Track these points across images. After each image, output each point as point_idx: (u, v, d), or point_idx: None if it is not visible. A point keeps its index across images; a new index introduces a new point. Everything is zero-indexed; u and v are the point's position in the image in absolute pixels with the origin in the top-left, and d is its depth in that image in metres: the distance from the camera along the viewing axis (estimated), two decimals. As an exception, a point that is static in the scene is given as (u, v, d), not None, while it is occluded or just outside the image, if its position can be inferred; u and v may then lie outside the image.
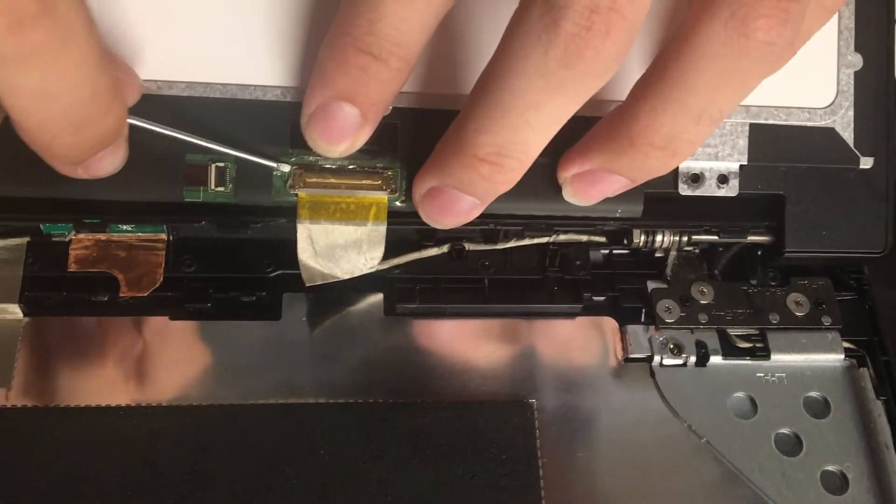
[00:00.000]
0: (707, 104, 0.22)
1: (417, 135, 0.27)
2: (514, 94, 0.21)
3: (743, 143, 0.29)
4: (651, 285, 0.31)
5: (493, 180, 0.23)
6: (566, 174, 0.26)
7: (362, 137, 0.24)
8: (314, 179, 0.27)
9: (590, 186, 0.26)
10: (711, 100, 0.22)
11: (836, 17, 0.30)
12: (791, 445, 0.29)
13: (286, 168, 0.26)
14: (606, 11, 0.19)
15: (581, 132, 0.26)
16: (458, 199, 0.25)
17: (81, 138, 0.21)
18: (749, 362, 0.30)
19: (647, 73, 0.23)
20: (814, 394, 0.30)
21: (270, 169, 0.26)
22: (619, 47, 0.20)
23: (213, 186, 0.27)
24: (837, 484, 0.28)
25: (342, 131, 0.24)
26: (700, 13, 0.21)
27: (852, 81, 0.30)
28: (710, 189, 0.29)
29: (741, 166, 0.29)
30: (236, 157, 0.26)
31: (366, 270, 0.28)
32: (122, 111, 0.22)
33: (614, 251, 0.32)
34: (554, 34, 0.20)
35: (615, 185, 0.25)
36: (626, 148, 0.23)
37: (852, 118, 0.30)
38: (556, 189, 0.27)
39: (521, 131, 0.22)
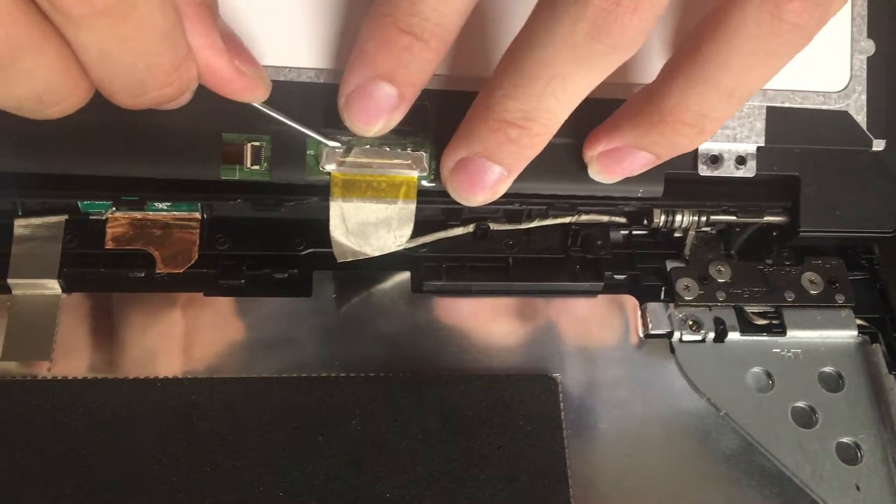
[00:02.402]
0: (738, 83, 0.23)
1: (447, 116, 0.27)
2: (542, 64, 0.22)
3: (760, 125, 0.30)
4: (670, 264, 0.32)
5: (520, 143, 0.24)
6: (593, 152, 0.27)
7: (397, 117, 0.25)
8: (347, 158, 0.28)
9: (616, 163, 0.27)
10: (742, 79, 0.23)
11: (849, 4, 0.31)
12: (807, 418, 0.30)
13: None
14: None
15: (603, 114, 0.27)
16: (487, 169, 0.25)
17: (138, 102, 0.22)
18: (766, 338, 0.31)
19: (677, 53, 0.24)
20: (828, 369, 0.31)
21: (304, 148, 0.27)
22: (646, 23, 0.21)
23: (248, 165, 0.27)
24: (852, 454, 0.29)
25: (379, 111, 0.24)
26: None
27: (865, 67, 0.31)
28: (728, 170, 0.30)
29: (758, 148, 0.30)
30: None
31: (395, 248, 0.29)
32: (185, 85, 0.22)
33: (634, 231, 0.33)
34: (583, 8, 0.21)
35: (641, 161, 0.26)
36: (657, 124, 0.24)
37: (865, 102, 0.30)
38: (580, 169, 0.28)
39: (547, 99, 0.23)
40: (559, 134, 0.25)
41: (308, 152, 0.27)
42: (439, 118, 0.28)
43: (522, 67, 0.23)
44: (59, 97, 0.20)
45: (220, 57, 0.22)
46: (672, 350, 0.30)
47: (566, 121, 0.24)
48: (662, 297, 0.32)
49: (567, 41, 0.21)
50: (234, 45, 0.23)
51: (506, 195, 0.27)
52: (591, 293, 0.31)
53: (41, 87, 0.20)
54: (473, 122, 0.25)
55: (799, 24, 0.21)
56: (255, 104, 0.24)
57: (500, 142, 0.24)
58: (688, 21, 0.28)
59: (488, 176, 0.25)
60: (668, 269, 0.32)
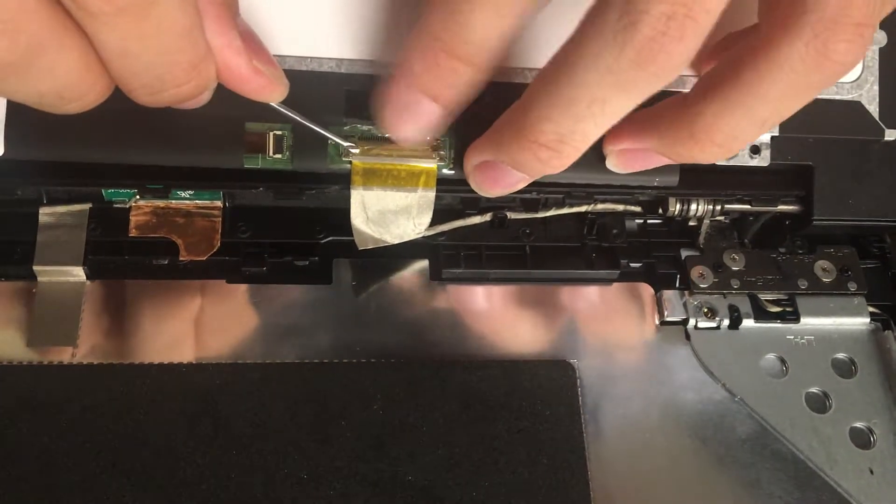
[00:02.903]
0: (772, 112, 0.23)
1: (469, 105, 0.28)
2: (583, 87, 0.22)
3: None
4: (685, 253, 0.32)
5: (549, 164, 0.24)
6: (615, 147, 0.27)
7: (438, 130, 0.26)
8: (368, 148, 0.28)
9: (636, 161, 0.27)
10: (777, 108, 0.23)
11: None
12: (820, 403, 0.30)
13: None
14: (682, 18, 0.20)
15: None
16: (510, 175, 0.26)
17: (156, 100, 0.22)
18: (779, 325, 0.31)
19: (717, 73, 0.24)
20: (841, 355, 0.31)
21: (326, 138, 0.28)
22: (690, 51, 0.21)
23: (271, 154, 0.28)
24: (865, 439, 0.30)
25: (421, 126, 0.25)
26: (782, 30, 0.22)
27: (877, 58, 0.31)
28: (743, 159, 0.30)
29: (772, 137, 0.30)
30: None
31: (414, 235, 0.29)
32: (203, 83, 0.22)
33: (649, 220, 0.33)
34: (630, 36, 0.21)
35: (661, 162, 0.27)
36: (685, 140, 0.24)
37: (877, 92, 0.31)
38: (596, 158, 0.28)
39: (584, 122, 0.23)
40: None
41: (329, 141, 0.28)
42: (460, 107, 0.28)
43: (562, 89, 0.23)
44: (79, 93, 0.21)
45: (239, 56, 0.22)
46: (687, 337, 0.31)
47: None
48: (677, 285, 0.32)
49: (611, 67, 0.21)
50: (252, 44, 0.23)
51: (524, 185, 0.27)
52: (607, 281, 0.32)
53: (62, 83, 0.20)
54: (505, 134, 0.25)
55: (842, 62, 0.21)
56: (272, 104, 0.24)
57: (528, 159, 0.24)
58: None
59: (511, 179, 0.26)
60: (683, 258, 0.32)
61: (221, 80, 0.23)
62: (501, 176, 0.26)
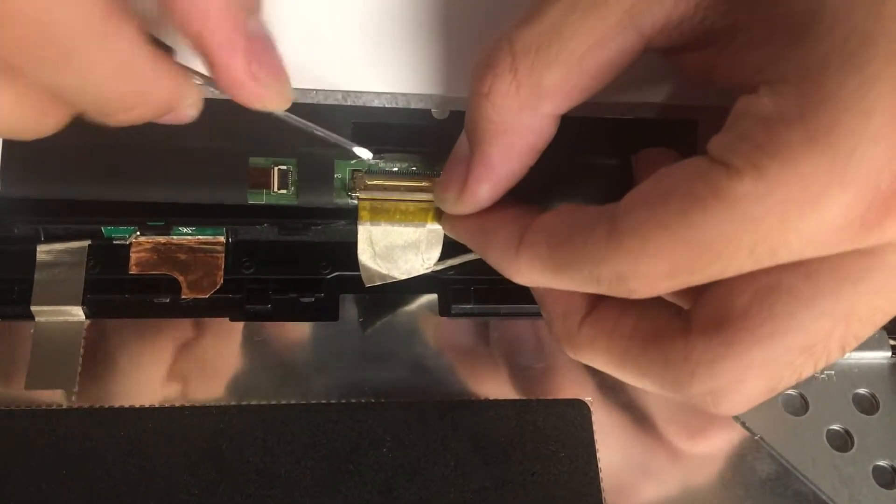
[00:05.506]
0: None
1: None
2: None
3: None
4: (700, 286, 0.31)
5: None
6: None
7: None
8: (375, 182, 0.27)
9: None
10: None
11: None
12: (842, 441, 0.29)
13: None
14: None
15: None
16: None
17: (112, 121, 0.21)
18: (798, 360, 0.30)
19: None
20: (862, 390, 0.30)
21: (332, 172, 0.27)
22: None
23: (276, 189, 0.27)
24: (888, 478, 0.29)
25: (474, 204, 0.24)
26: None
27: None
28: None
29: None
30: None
31: (423, 271, 0.28)
32: (158, 107, 0.21)
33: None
34: (679, 390, 0.20)
35: None
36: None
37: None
38: (608, 191, 0.28)
39: None
40: (587, 155, 0.24)
41: (336, 175, 0.27)
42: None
43: None
44: (30, 128, 0.20)
45: (234, 57, 0.20)
46: (704, 373, 0.30)
47: (591, 141, 0.24)
48: (692, 318, 0.31)
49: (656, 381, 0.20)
50: (258, 47, 0.21)
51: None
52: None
53: (9, 120, 0.19)
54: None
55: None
56: (275, 112, 0.23)
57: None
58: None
59: None
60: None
61: (216, 81, 0.21)
62: None
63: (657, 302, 0.21)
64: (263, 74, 0.21)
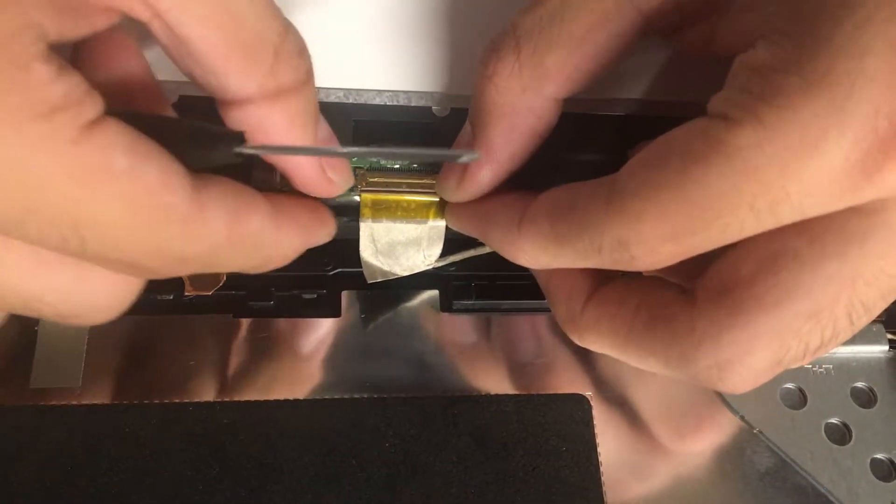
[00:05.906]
0: None
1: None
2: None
3: None
4: (699, 281, 0.32)
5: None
6: None
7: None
8: (377, 179, 0.27)
9: None
10: None
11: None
12: (840, 434, 0.30)
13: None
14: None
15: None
16: None
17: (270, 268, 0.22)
18: (797, 354, 0.31)
19: None
20: (860, 384, 0.30)
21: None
22: None
23: (279, 186, 0.27)
24: (886, 471, 0.29)
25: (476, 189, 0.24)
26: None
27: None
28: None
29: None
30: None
31: (424, 267, 0.29)
32: (283, 259, 0.23)
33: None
34: (686, 365, 0.20)
35: None
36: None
37: None
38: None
39: None
40: (588, 152, 0.24)
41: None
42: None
43: None
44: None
45: (315, 174, 0.22)
46: (703, 367, 0.30)
47: (592, 138, 0.24)
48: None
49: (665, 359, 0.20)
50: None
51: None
52: (621, 310, 0.31)
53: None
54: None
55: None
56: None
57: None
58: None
59: None
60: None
61: (292, 182, 0.23)
62: None
63: (660, 282, 0.21)
64: (335, 175, 0.23)
